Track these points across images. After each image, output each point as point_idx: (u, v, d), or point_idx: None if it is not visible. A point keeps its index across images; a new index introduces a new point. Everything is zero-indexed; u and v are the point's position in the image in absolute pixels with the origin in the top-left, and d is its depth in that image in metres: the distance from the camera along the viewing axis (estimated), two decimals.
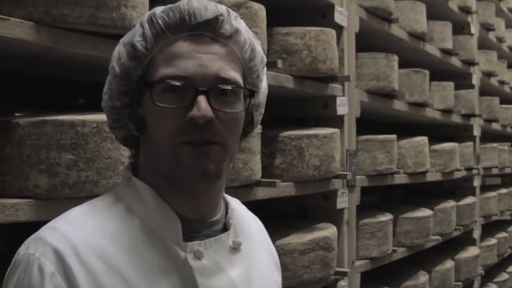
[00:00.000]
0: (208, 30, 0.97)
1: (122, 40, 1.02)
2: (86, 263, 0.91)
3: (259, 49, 1.05)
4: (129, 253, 0.94)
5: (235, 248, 1.04)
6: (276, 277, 1.19)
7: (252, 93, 1.02)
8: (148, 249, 0.96)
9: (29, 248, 0.92)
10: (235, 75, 0.98)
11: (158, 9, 0.99)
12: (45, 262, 0.89)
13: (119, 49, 1.01)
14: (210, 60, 0.95)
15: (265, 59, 1.07)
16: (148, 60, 0.97)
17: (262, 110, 1.11)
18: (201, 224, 1.02)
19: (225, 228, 1.06)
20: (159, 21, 0.96)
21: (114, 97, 1.01)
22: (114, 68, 1.00)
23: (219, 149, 0.96)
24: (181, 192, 0.99)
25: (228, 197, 1.12)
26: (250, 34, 1.04)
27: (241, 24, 1.01)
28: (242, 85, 1.00)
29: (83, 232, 0.94)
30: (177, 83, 0.94)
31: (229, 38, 0.99)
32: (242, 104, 1.00)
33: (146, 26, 0.97)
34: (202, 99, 0.93)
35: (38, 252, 0.91)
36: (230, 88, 0.97)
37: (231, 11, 1.00)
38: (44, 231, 0.95)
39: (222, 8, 0.99)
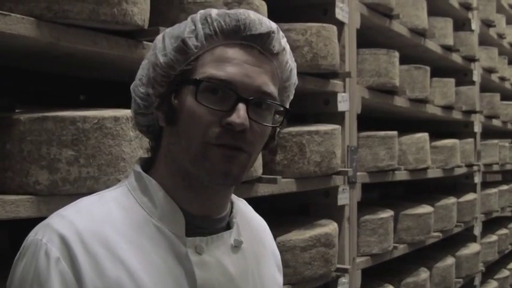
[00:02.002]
0: (259, 43, 1.00)
1: (168, 32, 1.03)
2: (90, 250, 0.94)
3: (295, 72, 1.10)
4: (133, 244, 0.97)
5: (237, 246, 1.07)
6: (278, 277, 1.21)
7: (286, 112, 1.06)
8: (151, 241, 0.98)
9: (38, 234, 0.96)
10: (275, 92, 1.02)
11: (213, 11, 1.01)
12: (51, 248, 0.93)
13: (164, 40, 1.02)
14: (256, 73, 0.99)
15: (297, 82, 1.12)
16: (195, 57, 0.99)
17: (283, 127, 1.14)
18: (206, 221, 1.04)
19: (229, 226, 1.09)
20: (215, 23, 0.99)
21: (149, 84, 1.03)
22: (157, 57, 1.01)
23: (245, 157, 0.99)
24: (194, 188, 1.02)
25: (234, 197, 1.15)
26: (291, 56, 1.08)
27: (286, 45, 1.06)
28: (279, 102, 1.04)
29: (90, 220, 0.97)
30: (223, 86, 0.96)
31: (275, 55, 1.03)
32: (272, 119, 1.04)
33: (199, 25, 1.00)
34: (242, 108, 0.96)
35: (45, 238, 0.94)
36: (270, 102, 1.00)
37: (280, 30, 1.04)
38: (52, 219, 0.98)
39: (274, 26, 1.03)
